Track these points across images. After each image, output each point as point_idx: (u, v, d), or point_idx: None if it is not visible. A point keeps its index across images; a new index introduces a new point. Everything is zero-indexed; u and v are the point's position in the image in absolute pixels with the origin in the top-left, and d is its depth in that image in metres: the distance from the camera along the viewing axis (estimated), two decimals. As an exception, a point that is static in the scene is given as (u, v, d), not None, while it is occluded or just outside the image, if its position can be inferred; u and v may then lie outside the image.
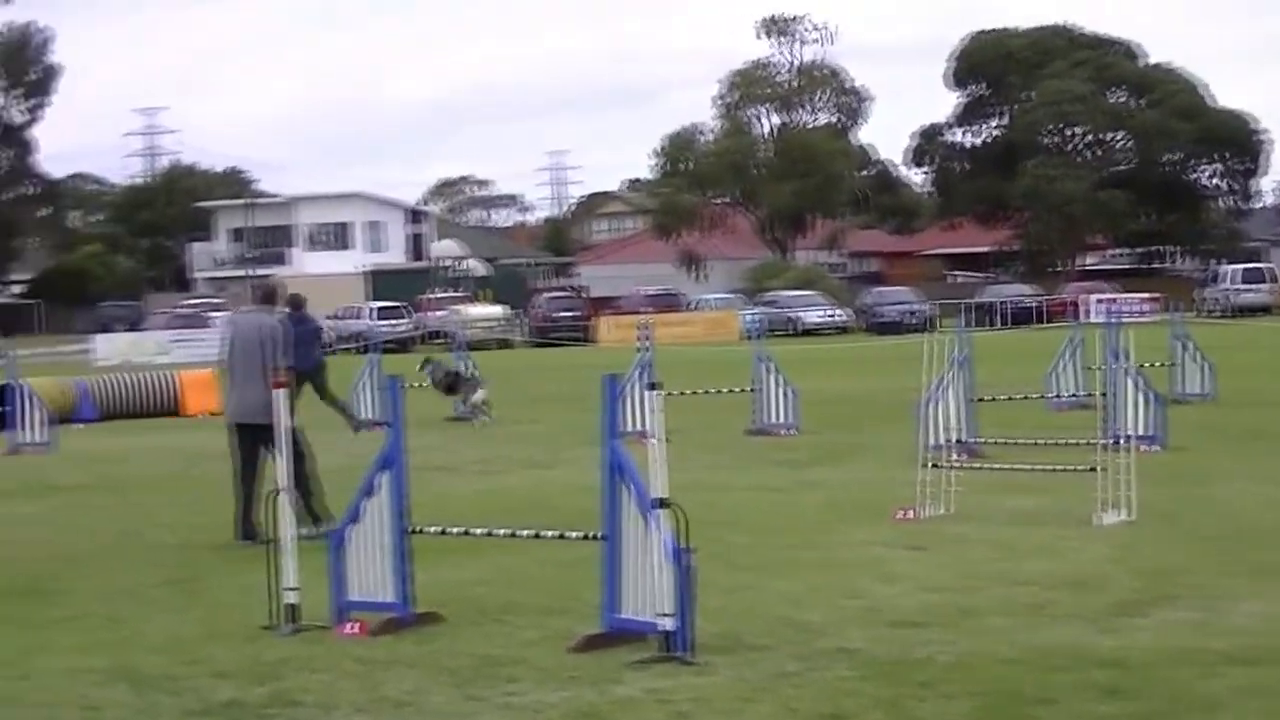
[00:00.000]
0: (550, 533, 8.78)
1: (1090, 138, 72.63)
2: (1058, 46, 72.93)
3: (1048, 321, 52.60)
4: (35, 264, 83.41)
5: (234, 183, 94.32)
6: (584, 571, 8.64)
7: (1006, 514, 11.65)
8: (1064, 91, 69.81)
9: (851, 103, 76.78)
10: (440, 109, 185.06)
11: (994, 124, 75.45)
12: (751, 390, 19.10)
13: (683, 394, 19.93)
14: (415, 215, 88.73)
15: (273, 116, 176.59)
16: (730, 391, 20.30)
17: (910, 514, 11.55)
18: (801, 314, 56.68)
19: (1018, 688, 6.86)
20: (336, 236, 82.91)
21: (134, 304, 72.97)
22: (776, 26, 75.62)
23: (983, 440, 14.67)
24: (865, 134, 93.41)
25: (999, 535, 10.78)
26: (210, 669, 7.70)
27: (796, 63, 75.99)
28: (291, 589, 8.45)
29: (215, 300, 67.75)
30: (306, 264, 76.09)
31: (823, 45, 75.84)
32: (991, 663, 7.29)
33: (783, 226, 75.46)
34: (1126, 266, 74.61)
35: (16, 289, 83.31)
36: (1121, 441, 11.23)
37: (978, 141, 76.25)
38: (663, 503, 7.49)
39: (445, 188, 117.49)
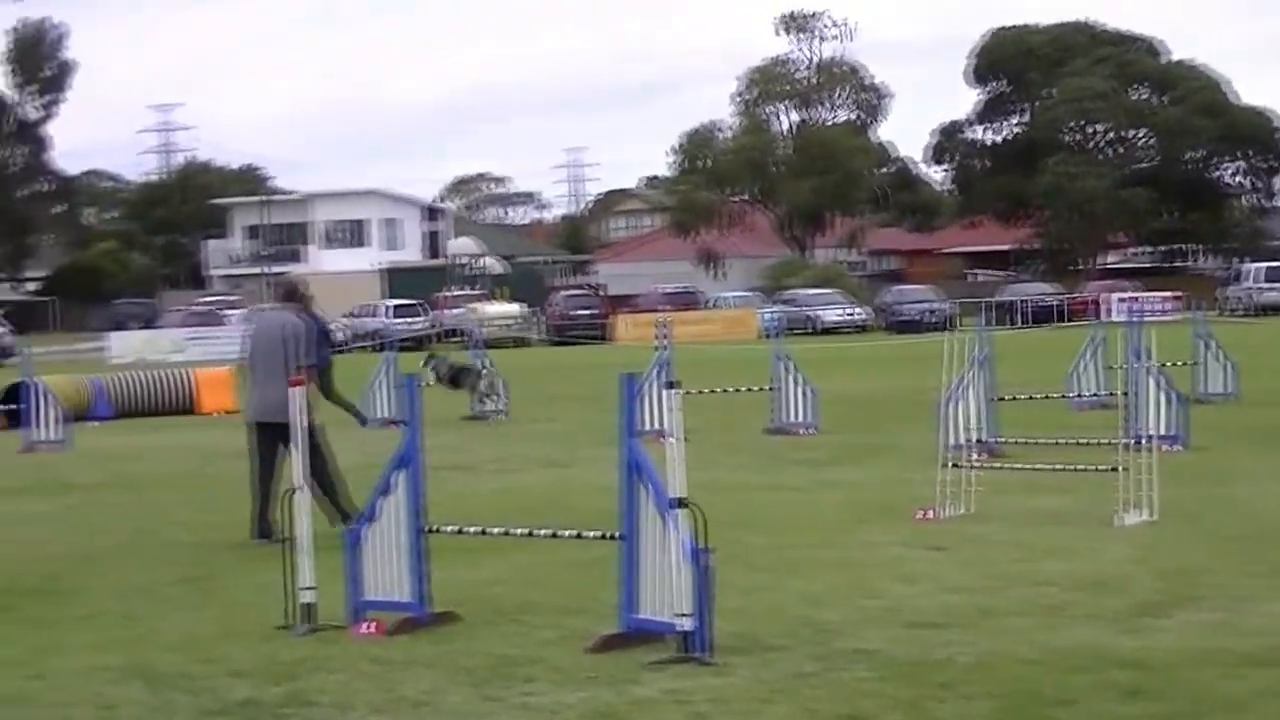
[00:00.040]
0: (568, 532, 8.74)
1: (1112, 135, 72.41)
2: (1079, 43, 72.70)
3: (1069, 320, 52.41)
4: (50, 261, 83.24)
5: (249, 180, 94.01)
6: (601, 571, 8.60)
7: (1027, 514, 11.60)
8: (1085, 88, 69.59)
9: (871, 99, 76.71)
10: (457, 106, 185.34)
11: (1014, 121, 75.26)
12: (770, 389, 19.05)
13: (701, 393, 19.86)
14: (432, 213, 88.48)
15: (288, 113, 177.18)
16: (749, 390, 20.25)
17: (930, 514, 11.51)
18: (820, 312, 56.59)
19: (1038, 689, 6.81)
20: (352, 234, 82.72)
21: (149, 301, 72.79)
22: (796, 23, 75.57)
23: (1003, 440, 14.62)
24: (885, 131, 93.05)
25: (1020, 535, 10.73)
26: (226, 668, 7.68)
27: (816, 59, 76.03)
28: (307, 588, 8.42)
29: (231, 298, 67.78)
30: (322, 261, 75.92)
31: (842, 42, 75.92)
32: (1012, 664, 7.25)
33: (801, 224, 75.36)
34: (1148, 265, 74.37)
35: (31, 286, 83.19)
36: (1143, 441, 11.16)
37: (998, 139, 76.06)
38: (681, 502, 7.45)
39: (462, 185, 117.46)
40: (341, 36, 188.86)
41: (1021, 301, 57.26)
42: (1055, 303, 57.03)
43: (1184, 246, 75.65)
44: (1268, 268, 59.22)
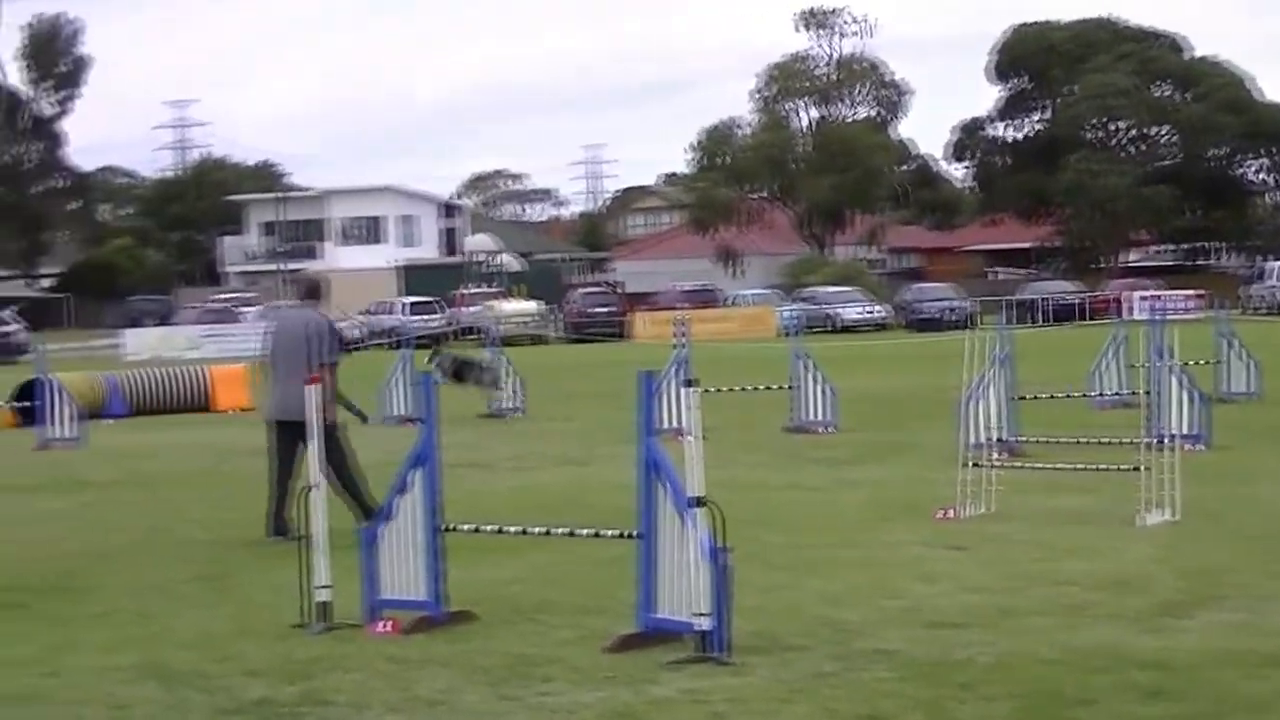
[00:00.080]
0: (585, 531, 8.71)
1: (1134, 132, 72.12)
2: (1101, 39, 72.42)
3: (1090, 319, 52.20)
4: (65, 258, 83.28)
5: (265, 176, 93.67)
6: (619, 570, 8.57)
7: (1048, 514, 11.54)
8: (1107, 85, 69.31)
9: (891, 96, 76.52)
10: (475, 102, 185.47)
11: (1036, 118, 75.00)
12: (789, 387, 19.00)
13: (719, 391, 19.83)
14: (449, 209, 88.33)
15: (305, 109, 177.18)
16: (768, 389, 20.20)
17: (951, 513, 11.46)
18: (840, 310, 56.49)
19: (1059, 689, 6.78)
20: (369, 231, 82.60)
21: (164, 298, 72.77)
22: (815, 19, 75.41)
23: (1024, 439, 14.57)
24: (905, 128, 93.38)
25: (1041, 535, 10.67)
26: (241, 667, 7.65)
27: (835, 56, 75.82)
28: (323, 587, 8.39)
29: (246, 295, 67.76)
30: (339, 258, 75.75)
31: (862, 38, 75.71)
32: (1032, 664, 7.21)
33: (821, 222, 75.23)
34: (1171, 263, 74.11)
35: (46, 283, 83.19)
36: (1165, 440, 11.11)
37: (1019, 136, 75.82)
38: (699, 501, 7.41)
39: (479, 182, 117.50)
40: (359, 32, 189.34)
41: (1043, 300, 57.07)
42: (1077, 301, 56.83)
43: (1206, 244, 75.35)
44: (1292, 265, 58.90)
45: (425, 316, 54.61)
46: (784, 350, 20.88)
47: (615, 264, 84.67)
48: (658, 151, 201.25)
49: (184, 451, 18.65)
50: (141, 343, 52.25)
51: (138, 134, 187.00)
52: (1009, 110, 75.61)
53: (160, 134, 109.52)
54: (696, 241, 76.48)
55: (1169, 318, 15.45)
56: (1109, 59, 70.88)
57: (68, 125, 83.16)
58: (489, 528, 9.06)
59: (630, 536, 7.86)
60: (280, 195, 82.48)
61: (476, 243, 71.74)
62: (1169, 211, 70.62)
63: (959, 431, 12.21)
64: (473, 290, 59.39)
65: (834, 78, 75.64)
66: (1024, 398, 16.76)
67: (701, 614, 7.39)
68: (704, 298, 60.51)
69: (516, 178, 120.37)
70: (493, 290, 60.11)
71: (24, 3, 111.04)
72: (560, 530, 8.97)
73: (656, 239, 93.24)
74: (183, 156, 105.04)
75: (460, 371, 21.79)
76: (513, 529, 9.18)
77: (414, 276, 67.72)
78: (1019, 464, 12.72)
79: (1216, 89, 70.52)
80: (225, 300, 65.40)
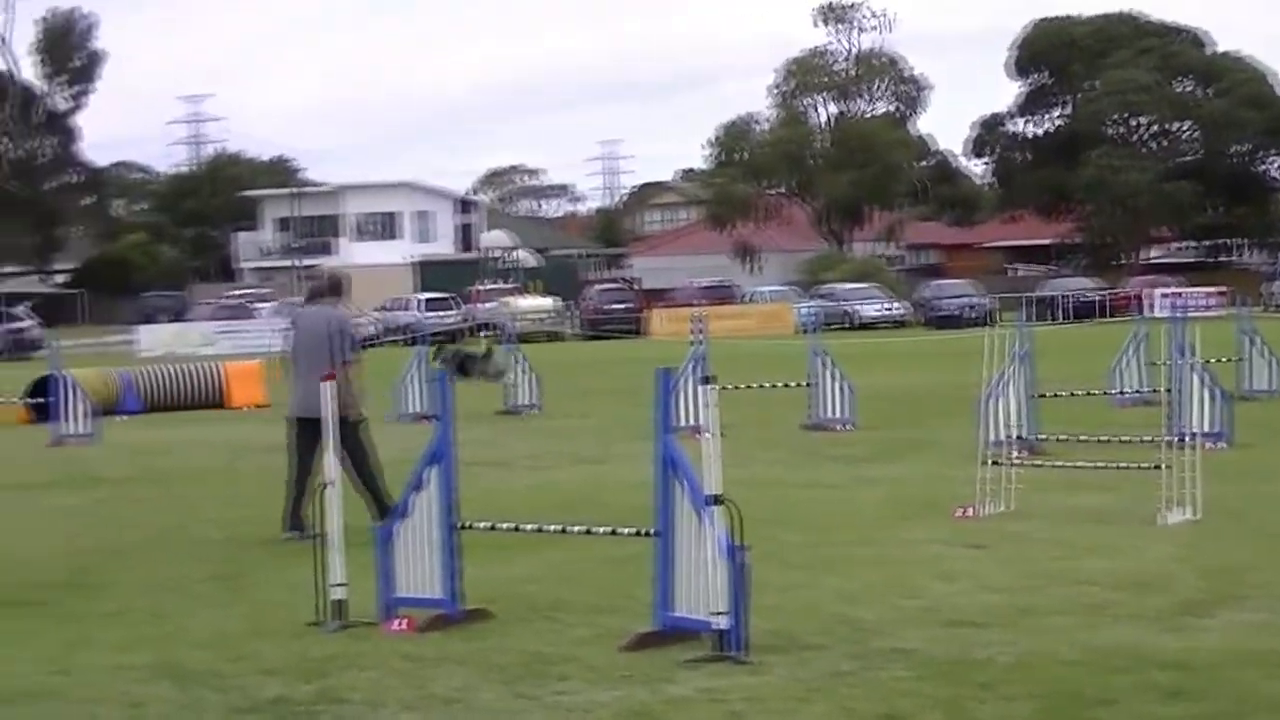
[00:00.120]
0: (602, 529, 8.68)
1: (1156, 128, 71.86)
2: (1122, 34, 72.15)
3: (1111, 316, 52.07)
4: (79, 253, 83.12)
5: (280, 171, 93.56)
6: (636, 568, 8.54)
7: (1068, 512, 11.48)
8: (1129, 80, 69.06)
9: (910, 91, 76.38)
10: (490, 97, 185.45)
11: (1056, 114, 74.76)
12: (807, 385, 18.95)
13: (737, 388, 19.79)
14: (464, 205, 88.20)
15: (320, 104, 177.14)
16: (786, 386, 20.15)
17: (970, 512, 11.40)
18: (858, 307, 56.41)
19: (1079, 689, 6.74)
20: (384, 226, 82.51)
21: (178, 294, 72.75)
22: (834, 14, 75.27)
23: (1044, 437, 14.53)
24: (924, 123, 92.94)
25: (1060, 534, 10.62)
26: (256, 665, 7.63)
27: (854, 51, 75.71)
28: (339, 585, 8.37)
29: (261, 291, 67.77)
30: (354, 254, 75.60)
31: (881, 33, 75.58)
32: (1052, 664, 7.17)
33: (839, 218, 75.14)
34: (1192, 260, 73.87)
35: (60, 279, 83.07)
36: (1187, 438, 11.06)
37: (1040, 131, 75.59)
38: (717, 499, 7.38)
39: (495, 177, 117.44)
40: (376, 27, 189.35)
41: (1063, 297, 56.90)
42: (1097, 298, 56.68)
43: (1228, 241, 75.08)
44: (1315, 263, 58.72)
45: (441, 313, 54.58)
46: (802, 347, 20.83)
47: (632, 260, 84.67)
48: (675, 147, 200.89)
49: (198, 448, 18.65)
50: (156, 339, 52.37)
51: (152, 129, 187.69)
52: (1029, 106, 75.39)
53: (175, 129, 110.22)
54: (714, 238, 76.43)
55: (1190, 315, 15.37)
56: (1130, 54, 70.62)
57: (82, 120, 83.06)
58: (505, 525, 9.02)
59: (647, 534, 7.83)
60: (295, 191, 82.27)
61: (492, 239, 71.79)
62: (1190, 208, 70.36)
63: (978, 429, 12.16)
64: (488, 286, 59.42)
65: (853, 73, 75.52)
66: (1044, 395, 16.67)
67: (719, 612, 7.35)
68: (721, 294, 60.45)
69: (533, 173, 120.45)
70: (508, 286, 60.14)
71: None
72: (577, 528, 8.94)
73: (674, 235, 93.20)
74: (197, 152, 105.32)
75: (463, 365, 21.85)
76: (529, 527, 9.15)
77: (429, 272, 67.77)
78: (1039, 462, 12.68)
79: (1239, 84, 70.23)
80: (240, 296, 65.36)
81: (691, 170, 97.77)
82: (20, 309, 56.67)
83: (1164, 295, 50.75)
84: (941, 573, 9.38)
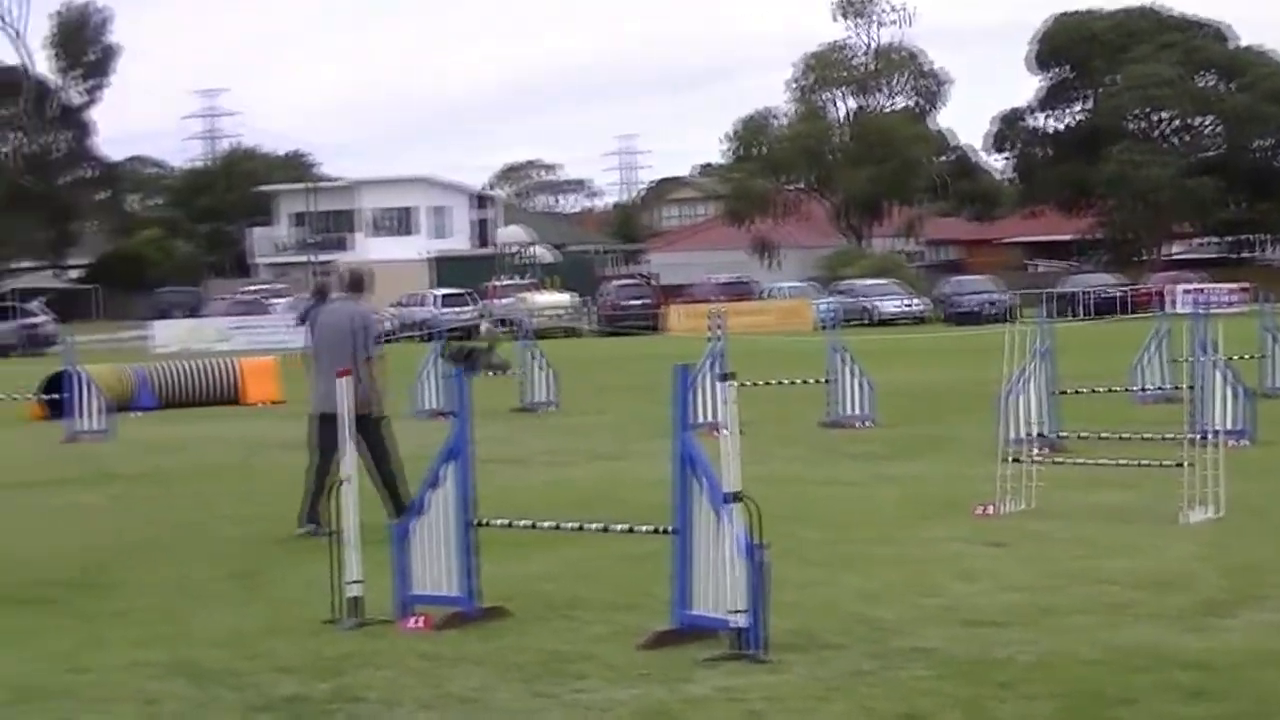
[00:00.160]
0: (619, 526, 8.65)
1: (1178, 123, 71.59)
2: (1144, 28, 71.87)
3: (1132, 312, 51.88)
4: (93, 248, 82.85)
5: (295, 166, 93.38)
6: (654, 566, 8.51)
7: (1089, 510, 11.43)
8: (1151, 75, 68.79)
9: (930, 86, 76.19)
10: (507, 91, 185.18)
11: (1078, 108, 74.52)
12: (826, 381, 18.89)
13: (755, 385, 19.75)
14: (481, 200, 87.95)
15: (335, 99, 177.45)
16: (804, 383, 20.10)
17: (990, 510, 11.35)
18: (878, 303, 56.28)
19: (1100, 689, 6.70)
20: (400, 222, 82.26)
21: (193, 290, 72.62)
22: (853, 8, 75.11)
23: (1065, 434, 14.48)
24: (944, 118, 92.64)
25: (1081, 532, 10.56)
26: (272, 663, 7.60)
27: (874, 45, 75.58)
28: (355, 582, 8.35)
29: (276, 286, 67.77)
30: (369, 250, 75.23)
31: (901, 27, 75.42)
32: (1073, 663, 7.13)
33: (858, 213, 75.00)
34: (1214, 255, 73.57)
35: (74, 274, 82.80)
36: (1209, 436, 11.03)
37: (1060, 126, 75.37)
38: (735, 496, 7.33)
39: (512, 172, 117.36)
40: (390, 20, 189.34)
41: (1084, 293, 56.65)
42: (1118, 294, 56.41)
43: (1251, 237, 74.74)
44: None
45: (457, 309, 54.51)
46: (821, 344, 20.76)
47: (649, 256, 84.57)
48: (693, 142, 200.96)
49: (213, 445, 18.64)
50: (170, 335, 52.38)
51: (167, 124, 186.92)
52: (1050, 100, 75.15)
53: (189, 124, 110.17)
54: (732, 233, 76.35)
55: (1212, 311, 15.31)
56: (1152, 48, 70.35)
57: (96, 115, 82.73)
58: (522, 523, 8.99)
59: (665, 532, 7.79)
60: (310, 186, 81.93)
61: (509, 234, 71.71)
62: (1213, 203, 70.08)
63: (998, 426, 12.08)
64: (505, 282, 59.39)
65: (872, 67, 75.37)
66: (1065, 392, 16.62)
67: (737, 611, 7.31)
68: (739, 290, 60.33)
69: (550, 168, 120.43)
70: (525, 282, 60.10)
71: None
72: (594, 525, 8.90)
73: (691, 231, 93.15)
74: (212, 146, 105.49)
75: (470, 358, 21.99)
76: (546, 524, 9.12)
77: (446, 268, 67.68)
78: (1059, 460, 12.64)
79: (1262, 79, 69.94)
80: (255, 292, 65.41)
81: (710, 165, 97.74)
82: (34, 304, 56.78)
83: (1186, 291, 50.57)
84: (961, 571, 9.33)
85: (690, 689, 6.87)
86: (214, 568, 10.28)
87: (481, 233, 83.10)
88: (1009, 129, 75.89)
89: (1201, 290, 46.88)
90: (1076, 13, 74.10)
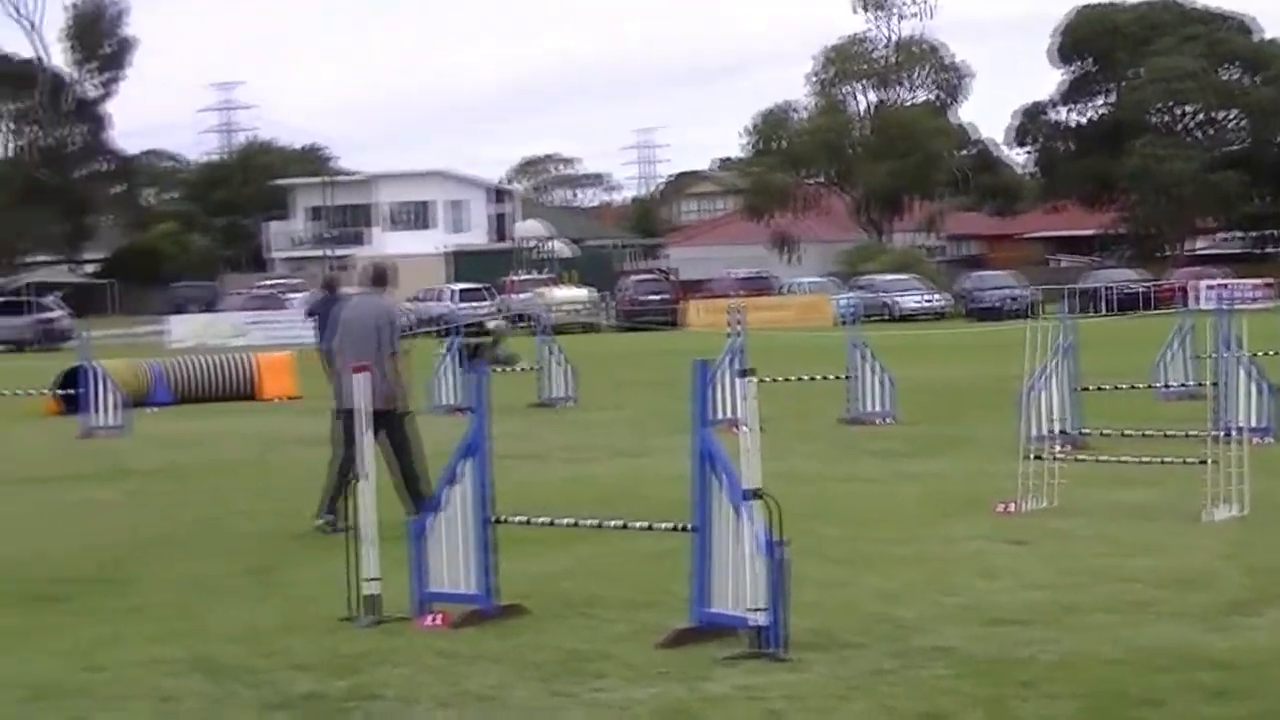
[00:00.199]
0: (638, 524, 8.61)
1: (1201, 116, 71.20)
2: (1167, 21, 71.50)
3: (1155, 308, 51.69)
4: (109, 243, 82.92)
5: (312, 160, 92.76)
6: (673, 564, 8.48)
7: (1112, 508, 11.36)
8: (1174, 68, 68.44)
9: (951, 79, 75.92)
10: (525, 85, 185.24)
11: (1100, 102, 74.17)
12: (846, 378, 18.82)
13: (775, 381, 19.69)
14: (499, 194, 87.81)
15: (352, 92, 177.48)
16: (824, 379, 20.02)
17: (1011, 507, 11.29)
18: (898, 299, 56.12)
19: (1123, 688, 6.65)
20: (417, 216, 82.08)
21: (209, 284, 72.68)
22: (874, 0, 74.86)
23: (1087, 431, 14.37)
24: (965, 112, 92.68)
25: (1104, 530, 10.50)
26: (288, 661, 7.58)
27: (894, 38, 75.26)
28: (372, 579, 8.32)
29: (293, 281, 67.78)
30: (386, 244, 74.92)
31: (921, 20, 75.10)
32: (1095, 662, 7.08)
33: (879, 208, 74.80)
34: (1239, 251, 73.18)
35: (90, 268, 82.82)
36: (1233, 433, 10.96)
37: (1083, 120, 75.04)
38: (755, 493, 7.29)
39: (530, 166, 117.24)
40: (408, 13, 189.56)
41: (1106, 288, 56.41)
42: (1141, 290, 56.17)
43: (1276, 232, 74.31)
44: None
45: (474, 304, 54.44)
46: (841, 339, 20.68)
47: (668, 250, 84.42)
48: (712, 136, 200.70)
49: (229, 440, 18.61)
50: (186, 330, 52.42)
51: (183, 117, 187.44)
52: (1072, 94, 74.82)
53: (205, 117, 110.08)
54: (751, 228, 76.20)
55: (1236, 307, 15.20)
56: (1175, 41, 70.00)
57: (112, 108, 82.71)
58: (540, 520, 8.94)
59: (684, 529, 7.75)
60: (327, 180, 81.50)
61: (527, 228, 71.63)
62: (1237, 198, 69.70)
63: (1020, 423, 12.02)
64: (523, 277, 59.36)
65: (893, 60, 75.11)
66: (1087, 389, 16.50)
67: (757, 609, 7.27)
68: (759, 285, 60.24)
69: (568, 162, 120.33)
70: (543, 277, 60.05)
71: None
72: (613, 523, 8.87)
73: (710, 225, 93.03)
74: (228, 140, 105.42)
75: (476, 352, 22.02)
76: (564, 521, 9.08)
77: (463, 263, 67.57)
78: (1082, 457, 12.57)
79: (1287, 72, 69.53)
80: (271, 286, 65.36)
81: (729, 159, 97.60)
82: (50, 299, 56.86)
83: (1210, 287, 50.30)
84: (982, 569, 9.28)
85: (709, 687, 6.84)
86: (230, 564, 10.27)
87: (499, 227, 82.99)
88: (1031, 123, 75.58)
89: (1225, 286, 46.56)
90: (1099, 5, 73.69)
